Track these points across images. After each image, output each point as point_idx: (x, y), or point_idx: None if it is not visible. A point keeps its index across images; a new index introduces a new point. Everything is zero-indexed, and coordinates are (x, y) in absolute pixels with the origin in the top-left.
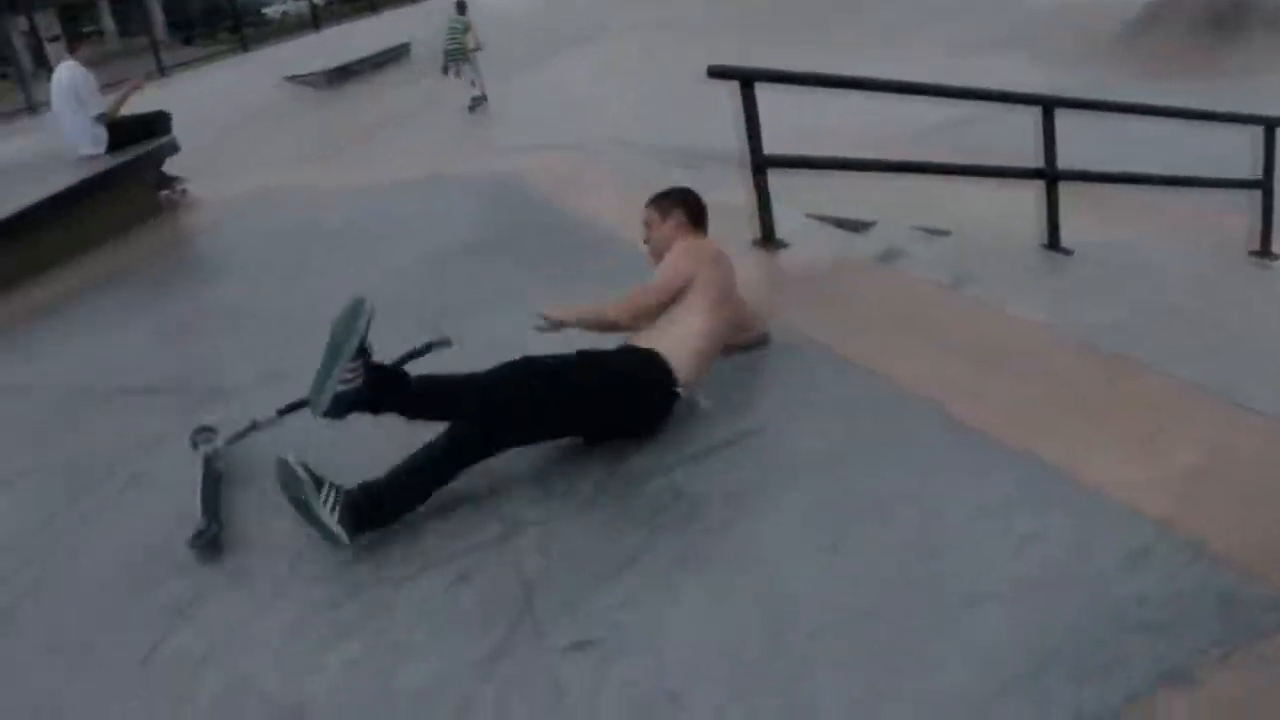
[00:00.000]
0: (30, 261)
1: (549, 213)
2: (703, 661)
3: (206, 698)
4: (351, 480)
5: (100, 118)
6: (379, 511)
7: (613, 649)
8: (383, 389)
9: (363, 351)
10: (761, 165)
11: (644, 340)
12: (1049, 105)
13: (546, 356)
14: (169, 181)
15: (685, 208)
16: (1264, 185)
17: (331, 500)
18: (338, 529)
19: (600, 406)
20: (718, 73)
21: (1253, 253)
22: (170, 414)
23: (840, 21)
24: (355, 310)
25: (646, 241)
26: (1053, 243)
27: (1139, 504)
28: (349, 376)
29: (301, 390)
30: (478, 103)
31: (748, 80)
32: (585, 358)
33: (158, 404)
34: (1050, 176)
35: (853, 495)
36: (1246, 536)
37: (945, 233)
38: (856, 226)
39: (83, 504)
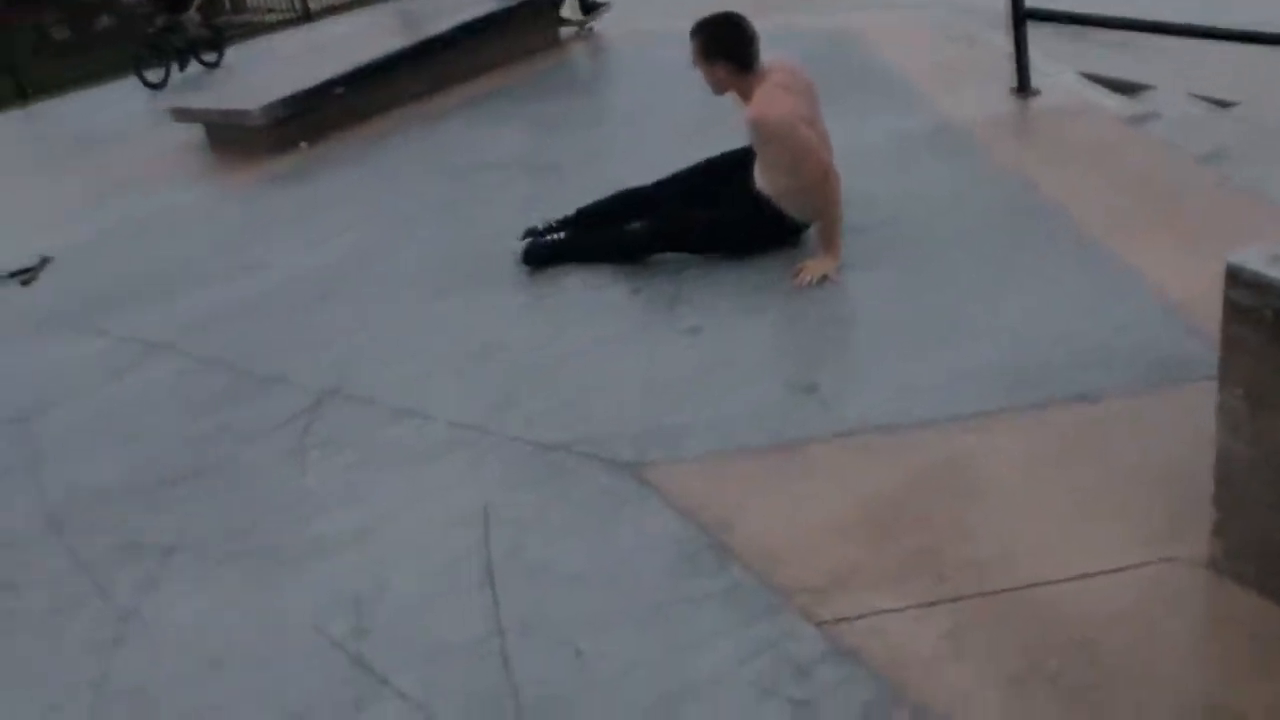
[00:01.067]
0: (442, 77)
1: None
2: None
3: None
4: None
5: None
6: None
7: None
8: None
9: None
10: (1022, 16)
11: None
12: None
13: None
14: (593, 9)
15: (728, 59)
16: None
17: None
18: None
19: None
20: None
21: None
22: (494, 184)
23: None
24: None
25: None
26: None
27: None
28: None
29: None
30: None
31: None
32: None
33: (489, 176)
34: None
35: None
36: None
37: (1231, 104)
38: (1131, 89)
39: (410, 233)
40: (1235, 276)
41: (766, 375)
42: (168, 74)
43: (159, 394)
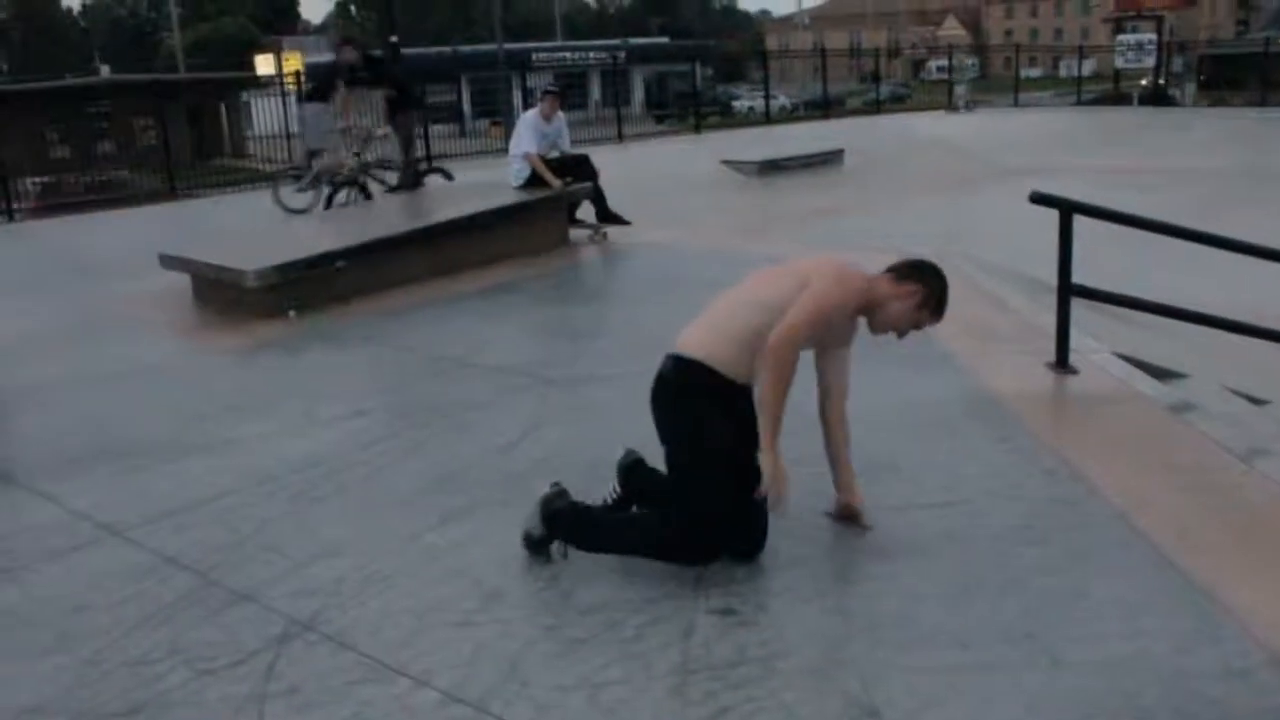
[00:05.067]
0: (445, 263)
1: None
2: None
3: (476, 592)
4: None
5: (525, 157)
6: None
7: (749, 614)
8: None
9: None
10: (1067, 293)
11: None
12: None
13: None
14: (609, 219)
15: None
16: None
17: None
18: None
19: None
20: (1039, 199)
21: None
22: (502, 388)
23: None
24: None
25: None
26: None
27: None
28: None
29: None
30: None
31: (1067, 211)
32: None
33: (494, 378)
34: None
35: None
36: None
37: (1264, 401)
38: (1164, 374)
39: (407, 435)
40: None
41: (821, 684)
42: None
43: (105, 591)
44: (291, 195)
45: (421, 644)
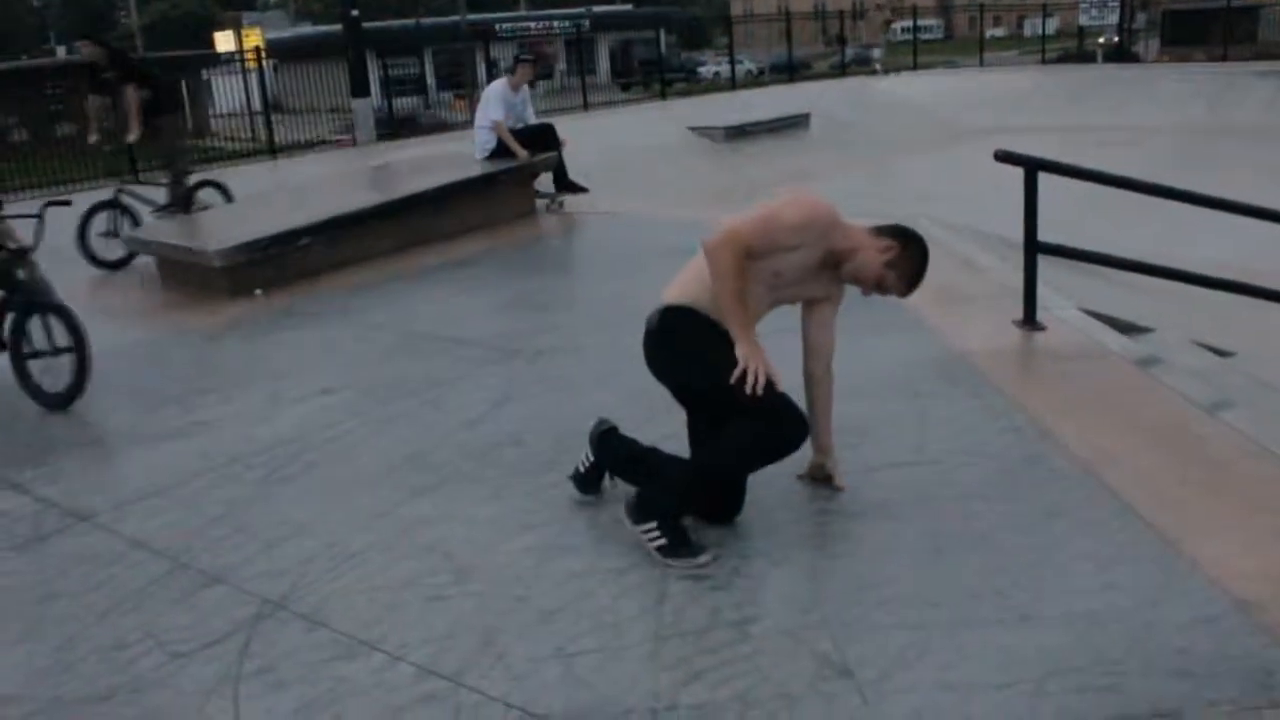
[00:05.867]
0: (411, 237)
1: None
2: None
3: (450, 565)
4: None
5: (493, 126)
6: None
7: (726, 577)
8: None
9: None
10: (1034, 250)
11: None
12: None
13: None
14: (566, 188)
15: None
16: None
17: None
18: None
19: None
20: (1003, 157)
21: None
22: (470, 362)
23: None
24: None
25: None
26: None
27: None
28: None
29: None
30: None
31: (1032, 168)
32: None
33: (461, 352)
34: None
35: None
36: None
37: (1229, 354)
38: (1131, 329)
39: (376, 412)
40: None
41: (794, 646)
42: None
43: (75, 578)
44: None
45: (395, 619)
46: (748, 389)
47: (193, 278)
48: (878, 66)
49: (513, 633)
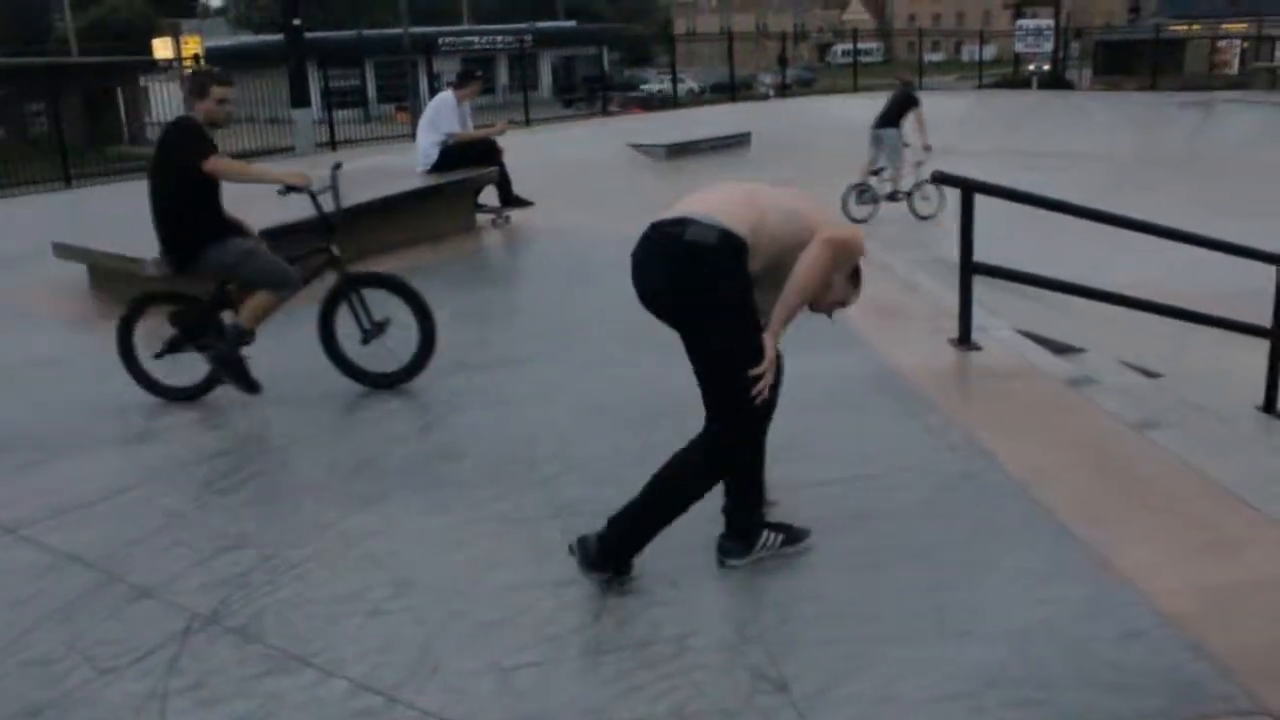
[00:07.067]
0: (351, 249)
1: None
2: None
3: (389, 578)
4: None
5: (446, 138)
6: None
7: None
8: None
9: None
10: (969, 271)
11: None
12: None
13: None
14: (511, 203)
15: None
16: None
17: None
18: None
19: None
20: (940, 179)
21: None
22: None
23: None
24: None
25: None
26: (1268, 406)
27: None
28: None
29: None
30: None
31: (968, 190)
32: None
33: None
34: (1276, 336)
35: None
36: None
37: (1156, 374)
38: (1063, 349)
39: (317, 423)
40: None
41: (732, 661)
42: None
43: (1, 592)
44: None
45: (331, 634)
46: (756, 389)
47: (126, 286)
48: (769, 92)
49: (450, 646)
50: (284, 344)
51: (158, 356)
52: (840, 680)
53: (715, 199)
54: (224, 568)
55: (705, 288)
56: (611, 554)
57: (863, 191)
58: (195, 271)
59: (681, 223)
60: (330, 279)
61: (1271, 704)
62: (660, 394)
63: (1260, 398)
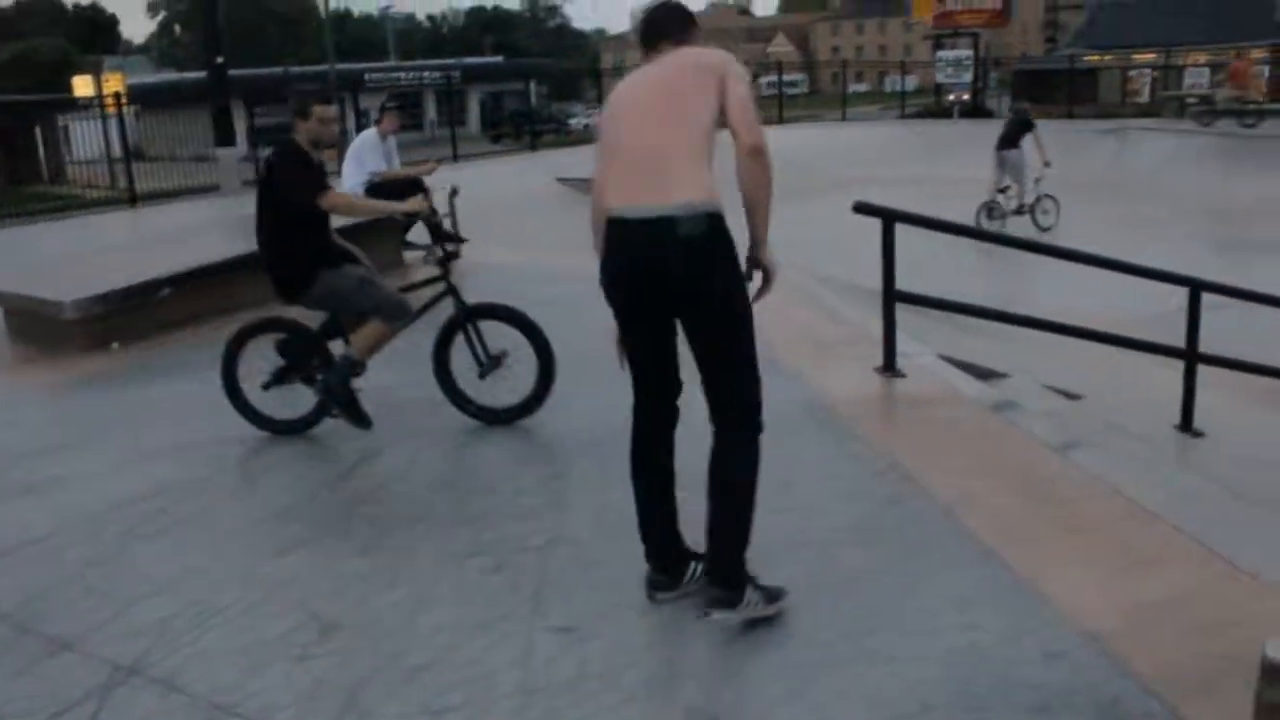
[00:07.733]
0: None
1: None
2: None
3: (315, 622)
4: None
5: (372, 176)
6: None
7: (588, 630)
8: None
9: None
10: (892, 299)
11: None
12: (1195, 287)
13: None
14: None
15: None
16: None
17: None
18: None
19: None
20: (862, 209)
21: None
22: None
23: None
24: None
25: None
26: (1185, 424)
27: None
28: None
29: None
30: None
31: (889, 219)
32: None
33: None
34: (1190, 357)
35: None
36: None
37: (1078, 397)
38: (987, 374)
39: (241, 467)
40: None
41: (664, 695)
42: None
43: None
44: None
45: (257, 681)
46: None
47: (45, 330)
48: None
49: (379, 691)
50: (204, 382)
51: (265, 388)
52: (775, 710)
53: (673, 169)
54: (146, 616)
55: (706, 273)
56: (735, 581)
57: (991, 209)
58: (307, 302)
59: (668, 221)
60: (445, 310)
61: (1193, 718)
62: (588, 426)
63: (1178, 417)
